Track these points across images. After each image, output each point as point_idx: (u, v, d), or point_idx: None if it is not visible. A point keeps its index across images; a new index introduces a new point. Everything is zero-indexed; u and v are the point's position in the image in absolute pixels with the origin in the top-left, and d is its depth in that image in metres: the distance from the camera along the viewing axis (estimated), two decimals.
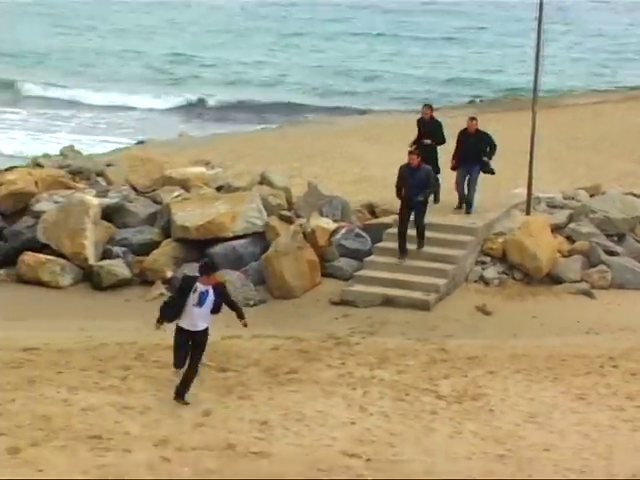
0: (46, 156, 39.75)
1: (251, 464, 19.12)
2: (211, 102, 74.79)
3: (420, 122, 35.34)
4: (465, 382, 23.39)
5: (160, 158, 38.09)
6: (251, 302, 29.73)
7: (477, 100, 64.04)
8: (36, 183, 35.24)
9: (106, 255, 32.26)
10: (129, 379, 23.11)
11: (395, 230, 31.96)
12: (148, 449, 19.73)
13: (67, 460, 19.23)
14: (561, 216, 33.71)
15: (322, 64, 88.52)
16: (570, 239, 32.67)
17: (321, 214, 32.78)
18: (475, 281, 31.12)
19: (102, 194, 34.78)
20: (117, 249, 32.43)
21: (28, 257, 32.10)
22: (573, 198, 35.20)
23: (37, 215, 33.41)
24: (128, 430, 20.55)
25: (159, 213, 33.58)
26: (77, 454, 19.36)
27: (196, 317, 20.83)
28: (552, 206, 34.63)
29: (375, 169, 37.87)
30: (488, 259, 31.98)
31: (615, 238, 32.99)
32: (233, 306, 21.61)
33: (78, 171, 37.04)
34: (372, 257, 31.21)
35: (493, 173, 33.42)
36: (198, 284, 20.61)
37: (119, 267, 31.62)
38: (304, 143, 42.74)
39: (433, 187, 32.58)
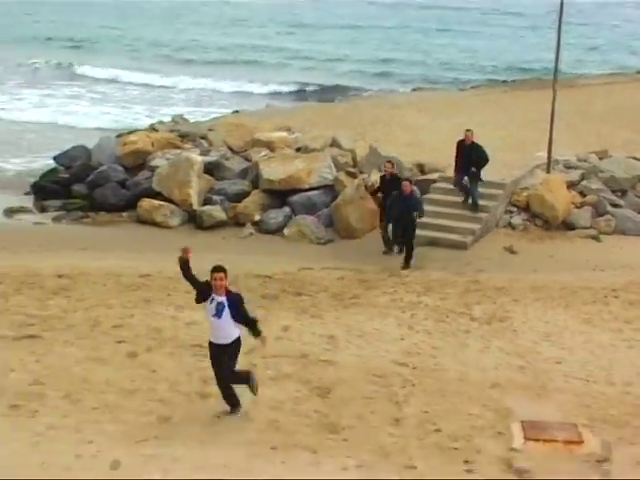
0: (160, 122, 39.98)
1: (320, 370, 19.33)
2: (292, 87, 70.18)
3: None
4: (493, 307, 23.48)
5: (251, 124, 38.13)
6: (322, 241, 29.83)
7: (509, 80, 63.38)
8: (152, 144, 35.51)
9: (207, 202, 32.44)
10: None
11: (439, 185, 32.09)
12: (240, 355, 19.95)
13: (174, 363, 19.50)
14: (575, 175, 33.63)
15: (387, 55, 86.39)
16: (582, 193, 32.63)
17: (380, 171, 32.84)
18: (504, 226, 31.11)
19: (204, 153, 34.97)
20: (216, 197, 32.61)
21: (145, 202, 32.36)
22: (585, 160, 35.11)
23: (152, 169, 33.63)
24: None
25: (249, 169, 33.72)
26: (182, 359, 19.65)
27: (218, 329, 16.97)
28: (568, 167, 34.56)
29: (424, 135, 37.80)
30: (515, 209, 31.97)
31: (619, 193, 32.96)
32: (247, 322, 17.02)
33: (185, 134, 37.25)
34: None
35: (480, 180, 31.50)
36: (214, 295, 16.64)
37: (217, 211, 31.80)
38: (367, 113, 42.64)
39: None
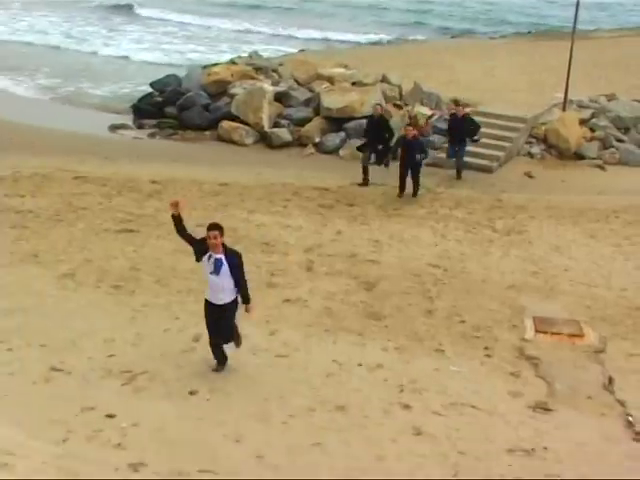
0: (239, 57, 39.85)
1: (367, 268, 19.48)
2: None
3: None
4: (513, 222, 23.47)
5: (314, 61, 38.02)
6: (371, 161, 29.84)
7: (532, 31, 62.40)
8: (232, 75, 35.42)
9: (276, 125, 32.41)
10: (289, 207, 23.47)
11: (476, 117, 31.92)
12: (299, 254, 20.13)
13: (246, 258, 19.65)
14: (586, 113, 33.30)
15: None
16: (591, 129, 32.33)
17: (422, 104, 32.74)
18: (524, 155, 30.88)
19: (275, 84, 34.87)
20: (283, 121, 32.55)
21: (225, 124, 32.38)
22: (595, 101, 34.75)
23: (231, 96, 33.57)
24: (287, 240, 21.00)
25: (312, 98, 33.58)
26: (254, 254, 19.79)
27: (216, 287, 14.15)
28: (580, 106, 34.22)
29: (459, 75, 37.55)
30: (534, 140, 31.74)
31: (623, 130, 32.62)
32: (241, 284, 14.23)
33: (259, 68, 37.16)
34: None
35: (476, 141, 29.39)
36: (211, 252, 13.92)
37: (284, 133, 31.79)
38: (412, 55, 42.43)
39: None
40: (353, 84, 34.60)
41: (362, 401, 13.71)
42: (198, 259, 14.41)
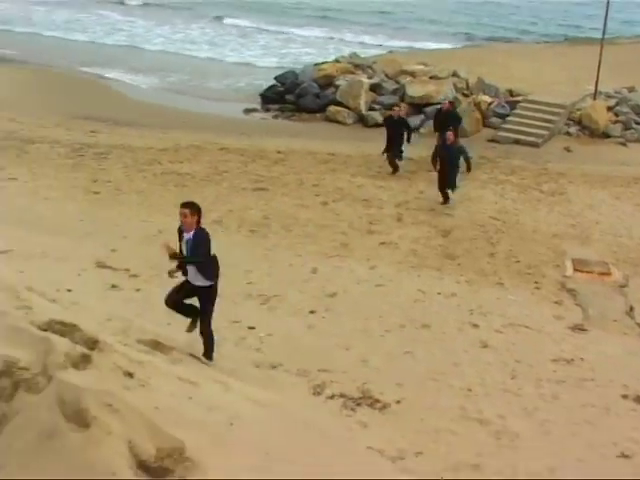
0: (342, 57, 39.68)
1: (443, 219, 19.50)
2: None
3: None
4: (556, 186, 23.23)
5: (400, 60, 37.79)
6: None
7: (569, 38, 60.80)
8: (336, 70, 35.37)
9: (370, 109, 32.32)
10: (382, 172, 23.42)
11: (523, 104, 31.54)
12: (391, 208, 20.21)
13: (351, 210, 19.84)
14: (612, 102, 32.72)
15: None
16: (616, 114, 31.79)
17: (484, 93, 32.46)
18: (564, 133, 30.47)
19: (370, 77, 34.70)
20: (376, 106, 32.46)
21: (332, 108, 32.36)
22: (619, 92, 34.18)
23: (336, 87, 33.51)
24: (381, 197, 21.06)
25: (399, 89, 33.44)
26: (356, 207, 19.94)
27: (190, 268, 10.94)
28: (608, 96, 33.59)
29: (513, 71, 36.90)
30: (571, 122, 31.34)
31: None
32: (195, 253, 10.73)
33: (358, 65, 36.99)
34: (510, 117, 30.79)
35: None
36: (185, 233, 10.77)
37: (377, 115, 31.61)
38: (476, 56, 41.85)
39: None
40: (430, 78, 34.27)
41: (441, 321, 13.85)
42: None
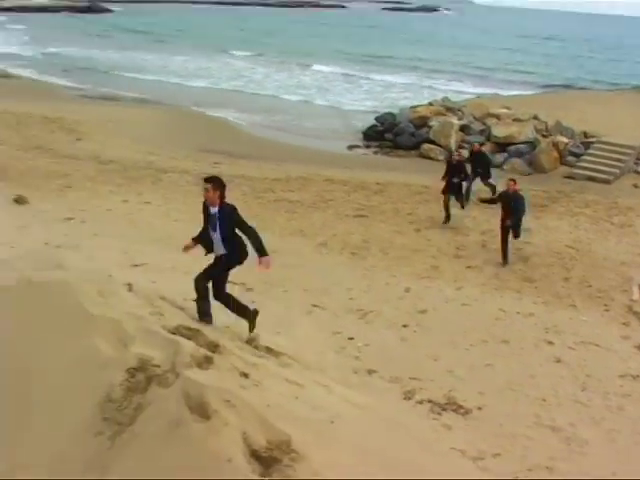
0: (435, 100, 39.56)
1: (523, 246, 19.06)
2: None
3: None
4: (625, 218, 22.58)
5: (487, 104, 37.44)
6: (525, 173, 29.18)
7: (636, 86, 59.12)
8: (430, 112, 35.29)
9: (459, 147, 32.04)
10: (468, 203, 23.23)
11: (597, 145, 30.85)
12: (476, 235, 19.88)
13: (440, 237, 19.63)
14: None
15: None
16: None
17: (561, 135, 31.91)
18: (633, 172, 29.70)
19: (459, 119, 34.53)
20: (465, 145, 32.12)
21: (425, 145, 32.30)
22: None
23: (430, 127, 33.47)
24: (467, 225, 20.73)
25: (485, 129, 33.13)
26: (445, 235, 19.65)
27: (217, 246, 10.14)
28: None
29: (588, 116, 36.20)
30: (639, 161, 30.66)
31: None
32: (247, 232, 9.98)
33: (449, 108, 36.80)
34: (584, 157, 30.17)
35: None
36: (209, 207, 9.98)
37: (465, 153, 31.15)
38: (556, 102, 41.30)
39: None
40: (513, 120, 33.89)
41: (519, 337, 13.61)
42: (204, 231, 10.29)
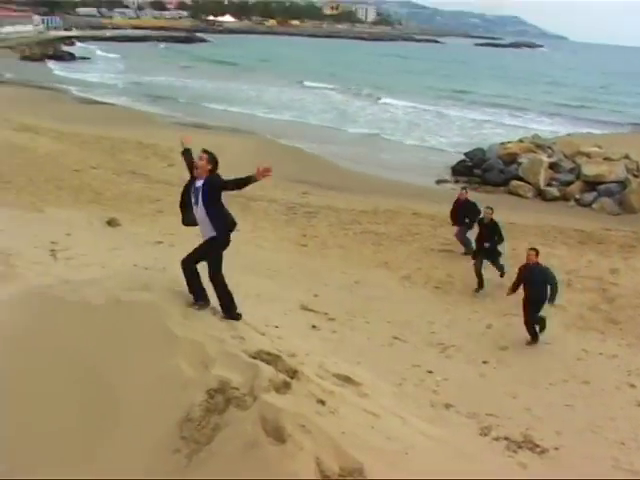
0: (525, 137, 39.20)
1: (608, 287, 18.68)
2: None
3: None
4: None
5: (577, 142, 36.93)
6: (614, 212, 28.63)
7: None
8: (519, 149, 35.03)
9: (548, 184, 31.76)
10: (556, 241, 22.70)
11: None
12: (563, 274, 19.42)
13: None
14: None
15: None
16: None
17: None
18: None
19: (549, 156, 34.12)
20: (554, 182, 31.84)
21: (514, 182, 31.95)
22: None
23: (519, 164, 33.16)
24: (553, 264, 20.39)
25: (575, 168, 32.67)
26: None
27: (200, 222, 9.53)
28: None
29: None
30: None
31: None
32: (235, 182, 9.09)
33: (539, 145, 36.39)
34: None
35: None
36: (196, 180, 9.41)
37: (554, 191, 31.04)
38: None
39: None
40: (604, 159, 33.33)
41: (601, 379, 13.38)
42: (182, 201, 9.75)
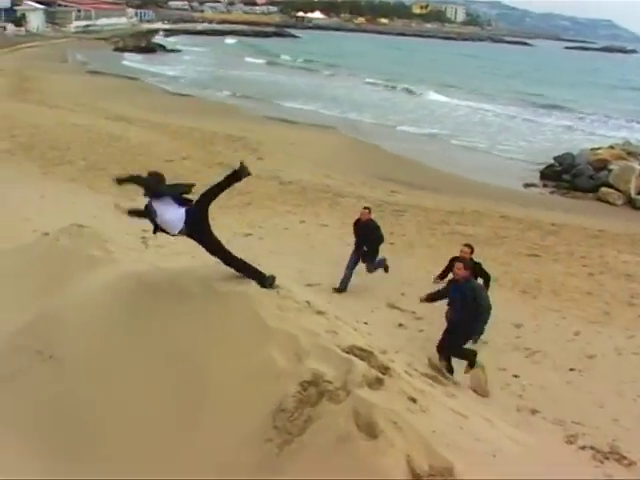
0: (616, 144, 38.35)
1: None
2: None
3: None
4: None
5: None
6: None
7: None
8: (610, 155, 34.32)
9: (639, 192, 31.04)
10: None
11: None
12: None
13: (614, 283, 18.97)
14: None
15: None
16: None
17: None
18: None
19: None
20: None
21: (603, 189, 31.21)
22: None
23: (609, 170, 32.43)
24: None
25: None
26: (619, 281, 19.00)
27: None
28: None
29: None
30: None
31: None
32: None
33: (630, 152, 35.58)
34: None
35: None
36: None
37: None
38: None
39: None
40: None
41: None
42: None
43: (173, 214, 8.90)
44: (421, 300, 12.85)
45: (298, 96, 59.60)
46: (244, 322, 9.05)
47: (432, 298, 12.68)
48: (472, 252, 14.06)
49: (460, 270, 11.89)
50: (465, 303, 11.77)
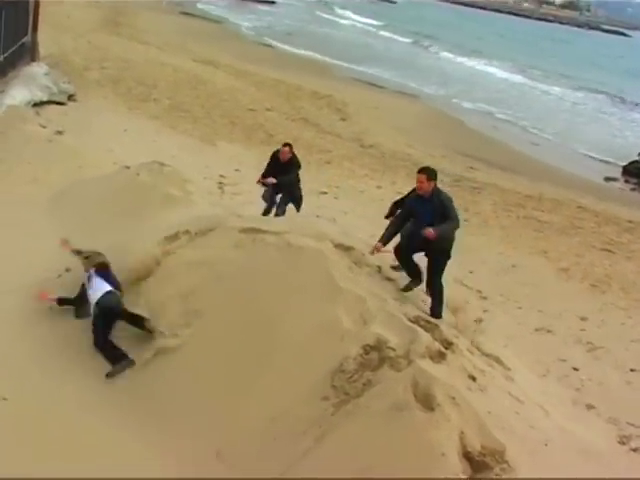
0: None
1: None
2: None
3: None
4: None
5: None
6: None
7: None
8: None
9: None
10: None
11: None
12: None
13: None
14: None
15: None
16: None
17: None
18: None
19: None
20: None
21: None
22: None
23: None
24: None
25: None
26: None
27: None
28: None
29: None
30: None
31: None
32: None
33: None
34: None
35: None
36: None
37: None
38: None
39: None
40: None
41: None
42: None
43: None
44: (373, 252, 9.63)
45: (387, 62, 58.96)
46: (316, 278, 9.11)
47: (387, 238, 9.80)
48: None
49: (423, 183, 9.77)
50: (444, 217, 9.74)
